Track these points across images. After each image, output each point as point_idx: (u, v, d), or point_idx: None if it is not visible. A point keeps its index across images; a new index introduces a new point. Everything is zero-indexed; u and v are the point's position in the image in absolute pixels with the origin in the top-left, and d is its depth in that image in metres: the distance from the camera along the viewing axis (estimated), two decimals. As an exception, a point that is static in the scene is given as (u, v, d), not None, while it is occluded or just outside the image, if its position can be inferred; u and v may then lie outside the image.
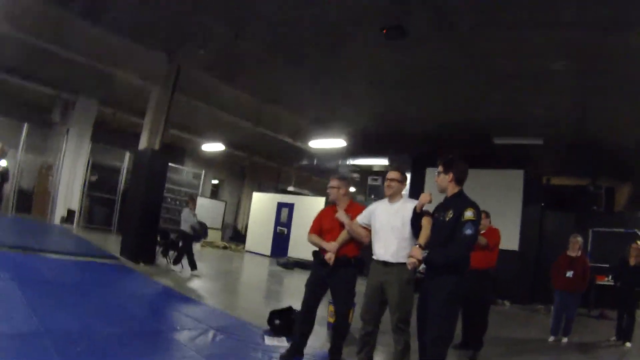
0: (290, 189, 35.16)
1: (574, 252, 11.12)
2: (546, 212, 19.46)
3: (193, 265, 14.45)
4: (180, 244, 15.18)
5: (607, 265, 15.17)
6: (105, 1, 12.46)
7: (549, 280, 11.46)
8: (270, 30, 12.35)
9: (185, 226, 15.05)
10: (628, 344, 11.55)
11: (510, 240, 17.28)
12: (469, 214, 5.23)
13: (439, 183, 5.74)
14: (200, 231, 15.57)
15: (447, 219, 5.41)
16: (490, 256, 9.29)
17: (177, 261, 14.87)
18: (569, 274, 10.84)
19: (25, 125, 21.36)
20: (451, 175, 5.60)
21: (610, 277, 14.25)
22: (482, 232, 9.18)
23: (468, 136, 18.41)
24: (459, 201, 5.49)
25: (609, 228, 17.99)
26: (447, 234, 5.35)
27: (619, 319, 11.98)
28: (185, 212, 15.31)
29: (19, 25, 13.09)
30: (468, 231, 5.18)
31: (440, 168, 5.71)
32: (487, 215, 9.58)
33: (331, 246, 6.57)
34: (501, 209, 16.68)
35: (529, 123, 16.05)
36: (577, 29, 9.91)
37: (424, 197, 5.89)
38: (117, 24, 13.75)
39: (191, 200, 15.96)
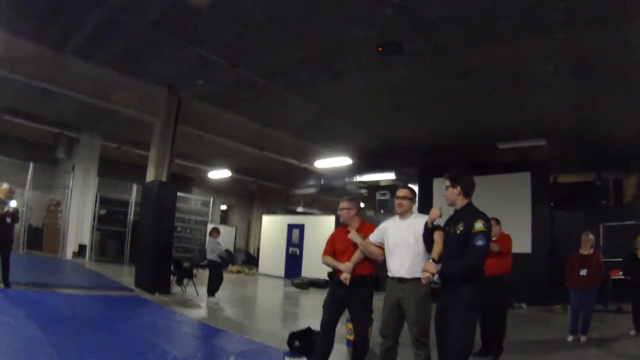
0: (300, 209, 35.18)
1: (586, 250, 11.11)
2: (556, 212, 19.49)
3: (214, 291, 14.72)
4: (210, 272, 15.34)
5: (621, 259, 15.17)
6: (99, 38, 12.60)
7: (564, 280, 11.41)
8: (266, 57, 12.49)
9: (212, 255, 15.20)
10: (647, 335, 11.55)
11: (522, 243, 17.32)
12: (479, 225, 5.31)
13: (447, 197, 5.83)
14: (227, 258, 16.05)
15: (458, 231, 5.49)
16: (503, 262, 9.33)
17: (211, 291, 14.86)
18: (583, 272, 10.81)
19: (31, 164, 21.48)
20: (459, 188, 5.70)
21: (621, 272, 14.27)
22: (493, 239, 9.22)
23: (472, 144, 18.53)
24: (468, 213, 5.57)
25: (619, 221, 17.99)
26: (459, 246, 5.44)
27: (634, 312, 12.02)
28: (212, 242, 15.46)
29: (16, 68, 13.28)
30: (479, 242, 5.26)
31: (447, 182, 5.81)
32: (498, 222, 9.64)
33: (346, 267, 6.61)
34: (511, 213, 16.77)
35: (530, 125, 16.15)
36: (566, 30, 10.04)
37: (434, 212, 5.96)
38: (113, 61, 13.98)
39: (215, 231, 15.99)
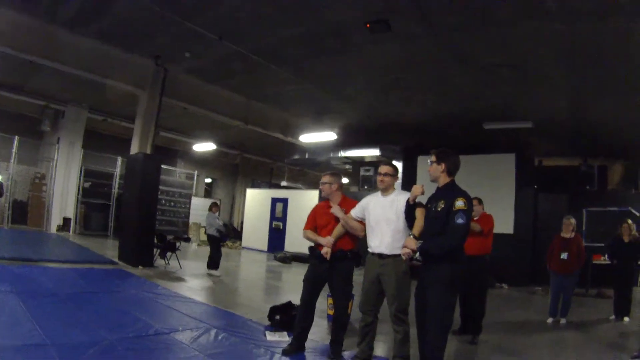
0: (284, 183, 35.28)
1: (567, 233, 11.21)
2: (540, 194, 19.59)
3: (216, 265, 15.08)
4: (211, 247, 15.66)
5: (603, 245, 15.25)
6: (89, 11, 12.45)
7: (545, 262, 11.54)
8: (254, 30, 12.39)
9: (211, 230, 15.52)
10: (626, 319, 11.73)
11: (505, 224, 17.46)
12: (459, 203, 5.32)
13: (431, 173, 5.81)
14: (225, 232, 16.25)
15: (439, 209, 5.50)
16: (484, 242, 9.34)
17: (212, 266, 15.17)
18: (564, 255, 10.94)
19: (16, 137, 21.31)
20: (444, 165, 5.69)
21: (606, 256, 14.35)
22: (475, 218, 9.28)
23: (458, 124, 18.53)
24: (450, 191, 5.57)
25: (602, 207, 18.15)
26: (439, 224, 5.44)
27: (616, 297, 12.15)
28: (210, 217, 15.72)
29: (4, 39, 13.11)
30: (460, 220, 5.27)
31: (433, 158, 5.78)
32: (480, 201, 9.67)
33: (327, 241, 6.65)
34: (495, 193, 16.94)
35: (518, 108, 16.15)
36: (560, 18, 10.01)
37: (416, 189, 6.01)
38: (102, 32, 13.83)
39: (215, 205, 16.29)
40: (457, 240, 5.38)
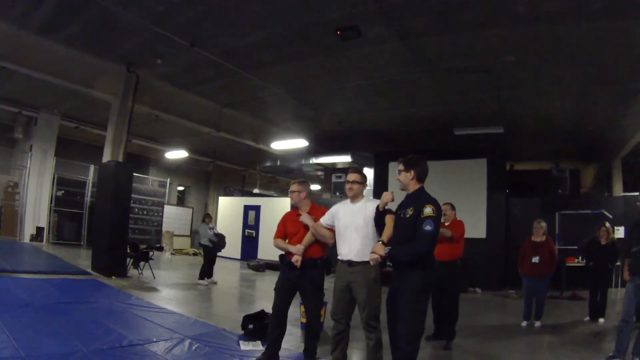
0: (256, 191, 35.24)
1: (538, 237, 11.33)
2: (511, 198, 19.81)
3: (209, 275, 15.67)
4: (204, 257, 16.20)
5: (576, 247, 15.41)
6: (60, 16, 12.30)
7: (517, 266, 11.65)
8: (224, 36, 12.38)
9: (203, 240, 15.97)
10: (601, 320, 11.91)
11: (477, 229, 17.63)
12: (428, 210, 5.35)
13: (400, 181, 5.83)
14: (218, 242, 16.24)
15: (408, 215, 5.52)
16: (456, 248, 9.41)
17: (204, 275, 15.65)
18: (535, 259, 11.05)
19: (-12, 145, 21.04)
20: (412, 173, 5.71)
21: (580, 258, 14.49)
22: (446, 224, 9.38)
23: (429, 129, 18.65)
24: (419, 198, 5.60)
25: (575, 210, 18.28)
26: (408, 230, 5.46)
27: (591, 299, 12.35)
28: (203, 228, 16.24)
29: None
30: (428, 227, 5.29)
31: (401, 166, 5.81)
32: (452, 207, 9.76)
33: (297, 249, 6.68)
34: (467, 198, 17.13)
35: (488, 113, 16.32)
36: (529, 23, 10.15)
37: (386, 196, 6.03)
38: (73, 38, 13.62)
39: (207, 217, 16.81)
40: (425, 247, 5.38)
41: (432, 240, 5.42)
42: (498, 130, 16.81)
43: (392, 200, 6.02)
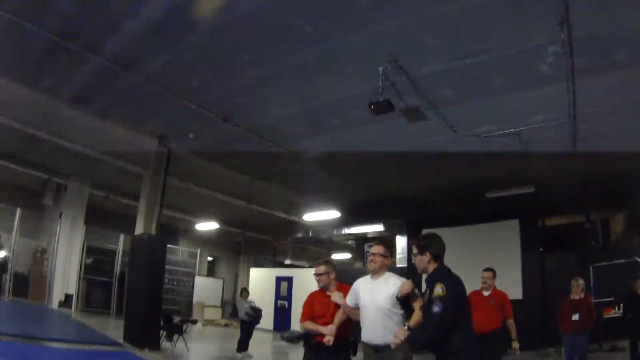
0: (288, 261, 35.06)
1: (577, 295, 11.22)
2: (545, 256, 19.55)
3: (244, 347, 15.41)
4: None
5: (612, 299, 15.26)
6: (94, 89, 12.66)
7: (556, 323, 11.54)
8: (257, 113, 12.64)
9: (241, 314, 15.93)
10: (645, 370, 11.66)
11: (513, 290, 17.31)
12: (437, 290, 5.03)
13: (417, 265, 5.54)
14: (254, 315, 16.15)
15: (426, 297, 5.31)
16: (494, 317, 9.36)
17: (241, 349, 15.42)
18: (575, 317, 10.93)
19: (18, 210, 21.49)
20: (428, 255, 5.40)
21: (617, 308, 14.33)
22: (485, 294, 9.28)
23: (459, 194, 18.64)
24: (434, 277, 5.29)
25: (608, 261, 17.97)
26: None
27: (632, 349, 12.21)
28: (239, 302, 16.48)
29: (9, 113, 13.33)
30: (435, 309, 4.96)
31: (415, 250, 5.56)
32: (494, 274, 9.66)
33: (330, 330, 6.34)
34: (501, 260, 16.88)
35: (518, 174, 16.39)
36: (557, 82, 10.19)
37: (405, 286, 5.78)
38: (105, 110, 13.98)
39: (244, 291, 17.20)
40: (433, 330, 5.06)
41: (440, 323, 5.00)
42: (529, 190, 16.85)
43: (412, 290, 5.78)
